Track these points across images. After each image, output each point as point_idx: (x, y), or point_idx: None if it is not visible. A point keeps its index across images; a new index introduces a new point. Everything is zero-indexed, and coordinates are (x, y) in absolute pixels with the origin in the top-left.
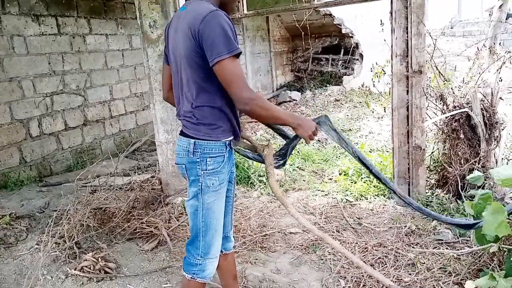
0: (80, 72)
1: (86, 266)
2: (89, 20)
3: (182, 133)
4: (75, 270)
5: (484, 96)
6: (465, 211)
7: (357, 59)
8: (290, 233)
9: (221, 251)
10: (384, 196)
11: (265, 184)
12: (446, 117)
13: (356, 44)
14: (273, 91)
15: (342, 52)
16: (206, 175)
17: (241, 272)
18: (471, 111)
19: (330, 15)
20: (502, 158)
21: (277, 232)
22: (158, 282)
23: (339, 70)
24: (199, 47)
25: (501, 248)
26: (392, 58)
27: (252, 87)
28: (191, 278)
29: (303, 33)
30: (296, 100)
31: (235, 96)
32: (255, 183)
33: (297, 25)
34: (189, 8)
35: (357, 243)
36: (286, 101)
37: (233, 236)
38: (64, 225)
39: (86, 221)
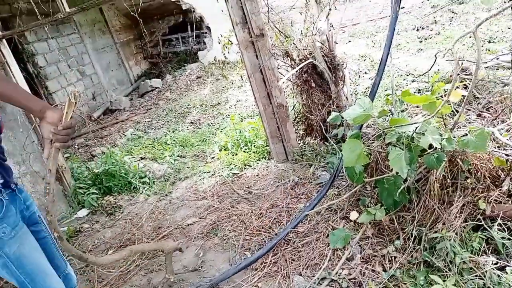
0: None
1: None
2: None
3: None
4: None
5: (322, 44)
6: (334, 151)
7: (206, 32)
8: (188, 225)
9: None
10: (265, 159)
11: (149, 185)
12: (296, 71)
13: (200, 17)
14: (131, 84)
15: (189, 29)
16: None
17: (147, 285)
18: (315, 60)
19: None
20: (351, 94)
21: (174, 229)
22: None
23: (192, 47)
24: None
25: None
26: (233, 27)
27: (107, 85)
28: None
29: (143, 17)
30: (159, 87)
31: None
32: (138, 187)
33: (134, 9)
34: None
35: (252, 211)
36: (148, 91)
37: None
38: None
39: None
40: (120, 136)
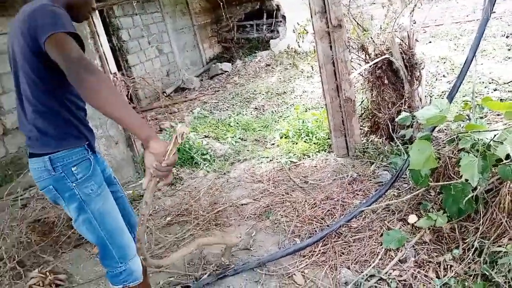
0: None
1: (34, 284)
2: None
3: (31, 155)
4: None
5: (402, 40)
6: (398, 152)
7: (281, 21)
8: (242, 204)
9: None
10: (325, 151)
11: (209, 161)
12: (369, 66)
13: (277, 6)
14: (203, 66)
15: (265, 16)
16: (79, 185)
17: (199, 254)
18: (392, 56)
19: None
20: (425, 96)
21: (229, 206)
22: None
23: (265, 35)
24: (32, 40)
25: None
26: (311, 16)
27: (181, 64)
28: (124, 286)
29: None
30: (228, 71)
31: (69, 71)
32: (199, 163)
33: None
34: (24, 9)
35: (306, 200)
36: (218, 73)
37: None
38: (1, 247)
39: (25, 237)
40: (188, 113)
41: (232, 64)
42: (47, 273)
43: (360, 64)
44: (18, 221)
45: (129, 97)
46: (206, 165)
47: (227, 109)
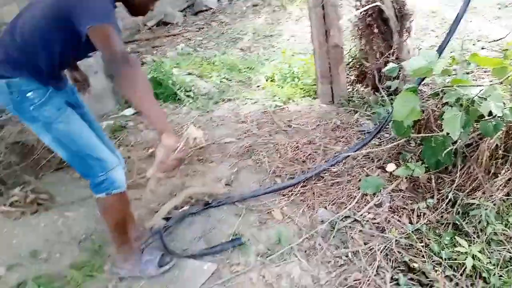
0: None
1: (16, 201)
2: None
3: None
4: (4, 206)
5: None
6: (383, 102)
7: None
8: (225, 143)
9: None
10: (310, 97)
11: (193, 99)
12: (360, 13)
13: None
14: (187, 1)
15: None
16: (37, 109)
17: (181, 186)
18: (383, 4)
19: None
20: (414, 48)
21: (212, 143)
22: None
23: None
24: (66, 13)
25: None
26: None
27: None
28: (107, 194)
29: None
30: (213, 8)
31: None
32: (182, 99)
33: None
34: None
35: (288, 143)
36: (202, 10)
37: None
38: None
39: (4, 157)
40: (171, 49)
41: (218, 1)
42: (28, 192)
43: (350, 11)
44: None
45: None
46: (189, 102)
47: (212, 48)
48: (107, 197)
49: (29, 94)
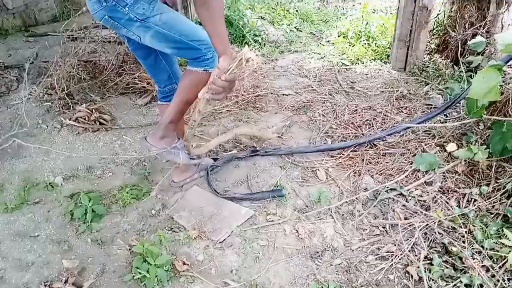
0: None
1: (80, 117)
2: None
3: None
4: (70, 120)
5: None
6: (460, 78)
7: None
8: (283, 94)
9: None
10: (381, 61)
11: (260, 44)
12: None
13: None
14: None
15: None
16: (131, 8)
17: (233, 127)
18: None
19: None
20: (509, 24)
21: (270, 93)
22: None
23: None
24: None
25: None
26: None
27: None
28: (205, 69)
29: None
30: None
31: None
32: (249, 43)
33: None
34: None
35: (347, 105)
36: None
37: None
38: (54, 76)
39: (76, 73)
40: None
41: None
42: (93, 110)
43: None
44: (71, 57)
45: None
46: (256, 47)
47: None
48: (202, 73)
49: None
